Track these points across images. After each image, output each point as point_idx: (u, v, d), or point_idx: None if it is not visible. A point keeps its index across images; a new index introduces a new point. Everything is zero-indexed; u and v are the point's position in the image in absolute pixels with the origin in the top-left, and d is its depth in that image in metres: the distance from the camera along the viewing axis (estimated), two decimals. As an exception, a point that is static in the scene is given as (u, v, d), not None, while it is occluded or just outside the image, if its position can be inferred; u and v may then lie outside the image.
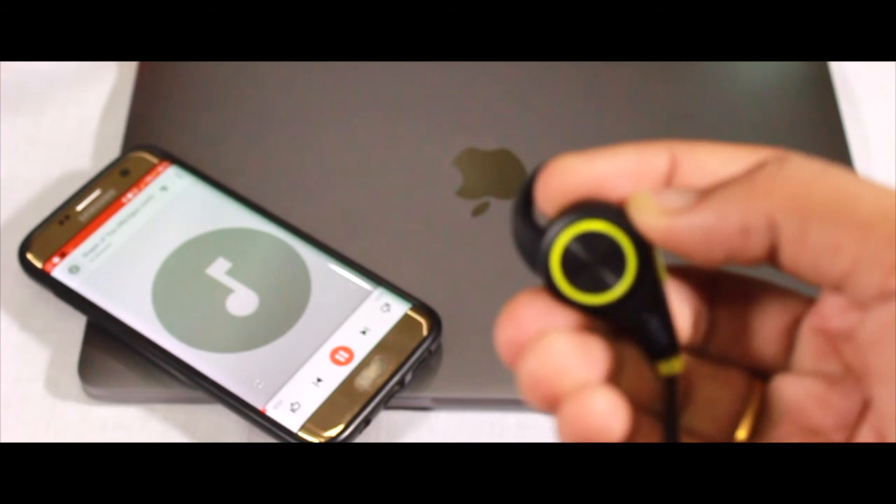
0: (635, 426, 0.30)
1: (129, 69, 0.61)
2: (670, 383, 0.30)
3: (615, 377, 0.31)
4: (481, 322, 0.51)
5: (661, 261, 0.30)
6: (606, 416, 0.29)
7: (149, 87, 0.60)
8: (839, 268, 0.27)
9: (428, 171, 0.56)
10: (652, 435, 0.31)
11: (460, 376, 0.50)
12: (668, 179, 0.30)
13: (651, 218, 0.29)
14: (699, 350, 0.32)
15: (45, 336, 0.52)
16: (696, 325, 0.32)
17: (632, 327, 0.30)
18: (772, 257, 0.29)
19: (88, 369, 0.50)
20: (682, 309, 0.31)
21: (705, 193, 0.29)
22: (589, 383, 0.30)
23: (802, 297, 0.31)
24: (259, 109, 0.59)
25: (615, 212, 0.30)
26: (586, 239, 0.30)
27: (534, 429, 0.50)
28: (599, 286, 0.30)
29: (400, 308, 0.50)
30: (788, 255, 0.28)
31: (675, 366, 0.30)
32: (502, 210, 0.55)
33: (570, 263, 0.30)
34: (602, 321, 0.31)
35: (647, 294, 0.30)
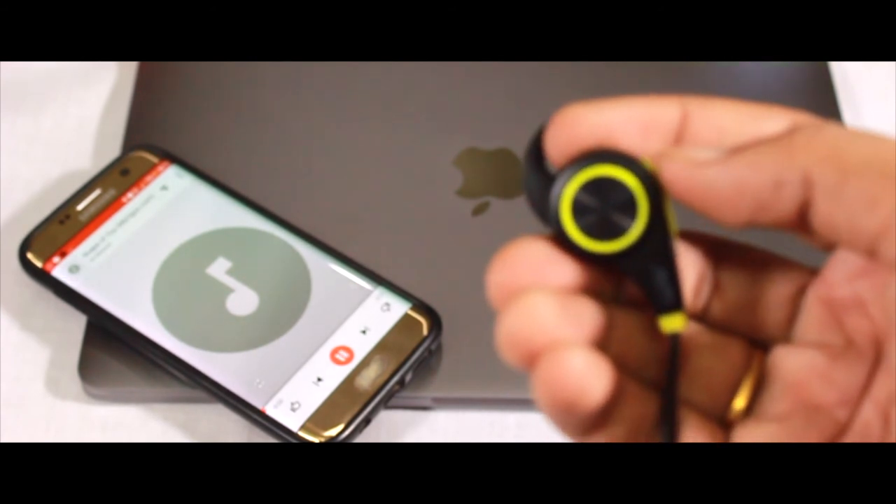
0: (620, 390, 0.30)
1: (129, 69, 0.61)
2: (673, 340, 0.30)
3: (603, 342, 0.30)
4: (481, 322, 0.51)
5: (672, 212, 0.30)
6: (584, 376, 0.29)
7: (149, 87, 0.60)
8: (875, 222, 0.27)
9: (428, 171, 0.56)
10: (640, 402, 0.30)
11: (460, 376, 0.50)
12: (680, 133, 0.30)
13: (680, 167, 0.29)
14: (699, 317, 0.31)
15: (45, 336, 0.52)
16: (698, 289, 0.31)
17: (638, 278, 0.30)
18: (801, 216, 0.28)
19: (88, 369, 0.50)
20: (686, 272, 0.31)
21: (738, 149, 0.29)
22: (567, 342, 0.29)
23: (807, 267, 0.31)
24: (259, 109, 0.59)
25: (627, 158, 0.29)
26: (597, 185, 0.30)
27: (534, 429, 0.50)
28: (610, 234, 0.30)
29: (400, 308, 0.50)
30: (823, 210, 0.28)
31: (677, 322, 0.30)
32: (502, 210, 0.55)
33: (581, 210, 0.30)
34: (610, 271, 0.30)
35: (657, 245, 0.30)
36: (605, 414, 0.30)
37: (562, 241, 0.30)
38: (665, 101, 0.30)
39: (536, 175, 0.30)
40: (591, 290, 0.30)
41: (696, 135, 0.30)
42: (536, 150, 0.30)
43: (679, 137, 0.30)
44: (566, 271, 0.30)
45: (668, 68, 0.59)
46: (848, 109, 0.59)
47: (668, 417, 0.29)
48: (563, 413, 0.29)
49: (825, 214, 0.28)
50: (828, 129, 0.28)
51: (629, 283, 0.31)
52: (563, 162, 0.30)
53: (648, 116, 0.30)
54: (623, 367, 0.30)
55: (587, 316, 0.30)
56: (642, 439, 0.30)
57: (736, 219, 0.29)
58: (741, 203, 0.28)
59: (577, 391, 0.29)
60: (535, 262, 0.30)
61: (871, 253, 0.27)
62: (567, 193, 0.30)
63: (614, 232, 0.30)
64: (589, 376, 0.29)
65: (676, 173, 0.29)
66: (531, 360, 0.29)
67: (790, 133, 0.29)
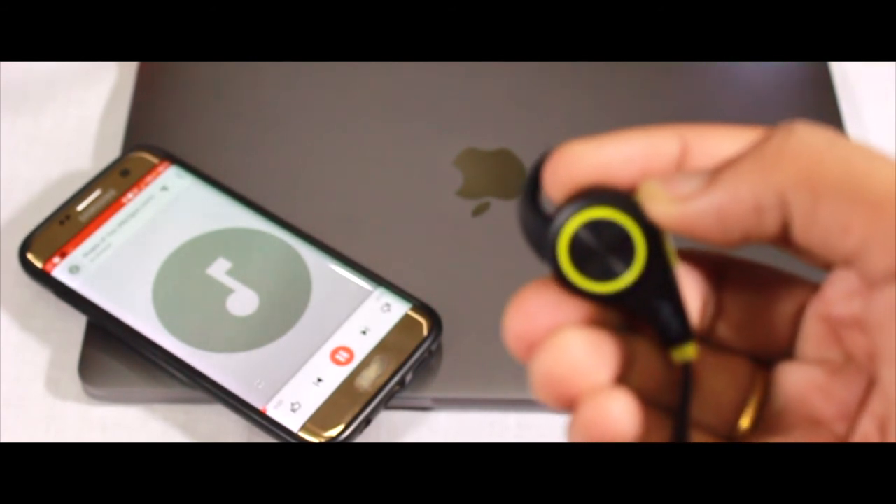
0: (647, 424, 0.30)
1: (129, 69, 0.61)
2: (685, 370, 0.30)
3: (626, 374, 0.30)
4: (481, 322, 0.51)
5: (671, 247, 0.30)
6: (622, 420, 0.29)
7: (149, 87, 0.60)
8: (849, 247, 0.27)
9: (428, 171, 0.56)
10: (660, 429, 0.30)
11: (460, 376, 0.50)
12: (679, 164, 0.30)
13: (662, 206, 0.29)
14: (704, 337, 0.32)
15: (45, 336, 0.52)
16: (703, 311, 0.31)
17: (643, 315, 0.30)
18: (784, 234, 0.28)
19: (88, 369, 0.50)
20: (690, 295, 0.31)
21: (714, 174, 0.29)
22: (604, 384, 0.30)
23: (809, 283, 0.31)
24: (259, 109, 0.59)
25: (623, 198, 0.30)
26: (594, 226, 0.30)
27: (534, 429, 0.50)
28: (609, 274, 0.30)
29: (400, 308, 0.50)
30: (799, 231, 0.28)
31: (688, 352, 0.30)
32: (502, 210, 0.55)
33: (579, 251, 0.30)
34: (613, 309, 0.30)
35: (658, 281, 0.30)
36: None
37: (561, 281, 0.30)
38: (662, 133, 0.30)
39: (532, 213, 0.30)
40: (606, 322, 0.31)
41: (697, 163, 0.30)
42: (533, 186, 0.30)
43: (679, 169, 0.30)
44: (579, 308, 0.30)
45: (668, 68, 0.59)
46: (848, 109, 0.59)
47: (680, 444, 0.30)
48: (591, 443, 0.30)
49: (801, 234, 0.28)
50: (797, 136, 0.28)
51: None
52: (560, 200, 0.30)
53: (646, 150, 0.30)
54: (644, 398, 0.30)
55: (612, 350, 0.30)
56: None
57: (730, 243, 0.29)
58: (729, 230, 0.29)
59: (615, 434, 0.29)
60: (548, 305, 0.30)
61: (849, 267, 0.28)
62: (564, 236, 0.30)
63: (613, 272, 0.30)
64: (626, 420, 0.29)
65: (659, 212, 0.29)
66: (569, 402, 0.30)
67: (759, 146, 0.28)
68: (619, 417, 0.29)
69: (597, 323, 0.30)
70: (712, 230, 0.29)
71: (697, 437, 0.31)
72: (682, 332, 0.30)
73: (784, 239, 0.29)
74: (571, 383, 0.29)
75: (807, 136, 0.28)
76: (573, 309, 0.30)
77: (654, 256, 0.30)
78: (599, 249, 0.30)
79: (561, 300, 0.30)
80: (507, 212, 0.55)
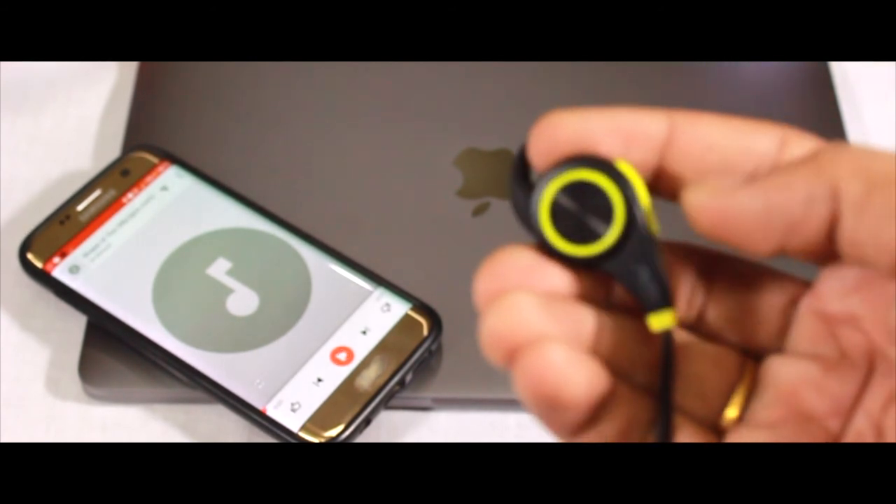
0: (610, 391, 0.29)
1: (129, 69, 0.61)
2: (666, 339, 0.30)
3: (591, 344, 0.30)
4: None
5: (653, 213, 0.30)
6: (563, 369, 0.28)
7: (149, 87, 0.60)
8: None
9: (428, 172, 0.56)
10: (631, 404, 0.30)
11: (460, 376, 0.50)
12: (665, 146, 0.30)
13: (703, 197, 0.29)
14: (693, 326, 0.31)
15: (45, 336, 0.52)
16: (690, 301, 0.31)
17: (622, 279, 0.30)
18: (829, 235, 0.28)
19: (88, 369, 0.50)
20: (678, 282, 0.31)
21: (763, 174, 0.28)
22: (548, 337, 0.29)
23: (799, 279, 0.31)
24: (259, 109, 0.59)
25: (604, 162, 0.30)
26: (574, 189, 0.30)
27: (534, 429, 0.50)
28: (589, 237, 0.30)
29: (400, 308, 0.50)
30: (849, 223, 0.27)
31: (666, 319, 0.30)
32: (502, 210, 0.55)
33: (559, 214, 0.30)
34: (593, 274, 0.30)
35: (637, 245, 0.30)
36: (594, 414, 0.29)
37: (543, 246, 0.30)
38: (651, 114, 0.30)
39: (520, 184, 0.31)
40: (581, 297, 0.30)
41: (683, 149, 0.30)
42: (521, 161, 0.31)
43: (664, 151, 0.30)
44: (553, 278, 0.30)
45: (668, 68, 0.59)
46: (848, 109, 0.59)
47: (664, 417, 0.29)
48: (546, 408, 0.29)
49: (851, 229, 0.28)
50: (853, 147, 0.28)
51: (620, 290, 0.31)
52: (544, 169, 0.30)
53: (632, 127, 0.30)
54: (615, 371, 0.30)
55: (573, 317, 0.30)
56: (634, 440, 0.30)
57: (766, 245, 0.29)
58: (772, 226, 0.28)
59: (557, 385, 0.28)
60: (522, 268, 0.30)
61: (894, 271, 0.27)
62: (545, 199, 0.30)
63: (593, 235, 0.30)
64: (569, 370, 0.29)
65: (705, 203, 0.29)
66: (512, 356, 0.29)
67: (816, 152, 0.28)
68: (560, 366, 0.28)
69: (568, 296, 0.30)
70: (756, 227, 0.28)
71: (681, 423, 0.30)
72: (661, 298, 0.30)
73: (823, 242, 0.28)
74: (516, 337, 0.29)
75: (860, 147, 0.28)
76: (546, 277, 0.30)
77: (634, 219, 0.30)
78: (579, 212, 0.30)
79: (536, 266, 0.30)
80: (507, 212, 0.54)
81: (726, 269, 0.31)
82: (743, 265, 0.32)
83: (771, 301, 0.31)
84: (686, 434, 0.30)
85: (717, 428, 0.31)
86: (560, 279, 0.30)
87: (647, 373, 0.31)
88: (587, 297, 0.30)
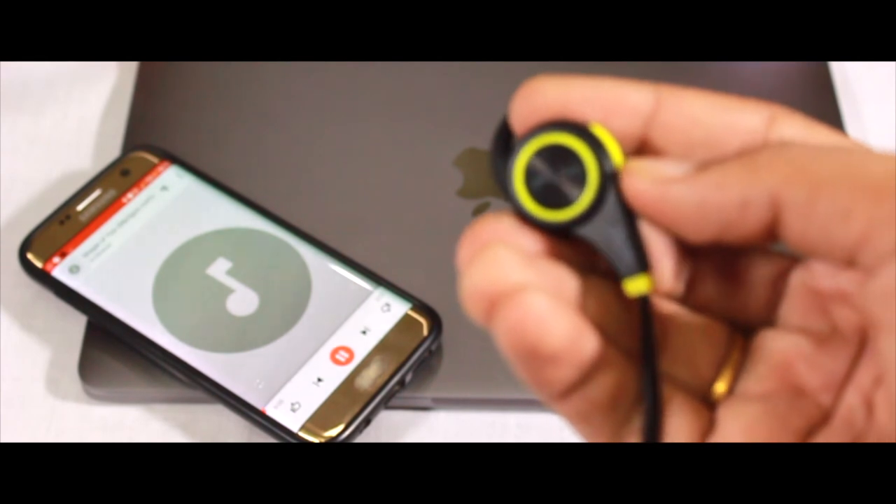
0: (598, 352, 0.29)
1: (129, 69, 0.61)
2: (643, 304, 0.29)
3: (576, 303, 0.30)
4: (481, 322, 0.51)
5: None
6: (544, 316, 0.28)
7: (149, 87, 0.60)
8: (852, 233, 0.27)
9: (428, 171, 0.56)
10: (619, 369, 0.30)
11: (460, 376, 0.50)
12: (649, 119, 0.30)
13: (643, 183, 0.29)
14: (681, 300, 0.31)
15: (45, 336, 0.52)
16: (678, 273, 0.31)
17: (597, 244, 0.29)
18: (768, 233, 0.28)
19: (88, 369, 0.50)
20: (664, 255, 0.30)
21: (703, 166, 0.28)
22: (528, 286, 0.28)
23: (788, 253, 0.30)
24: (259, 109, 0.59)
25: (577, 126, 0.29)
26: (547, 153, 0.29)
27: (534, 429, 0.50)
28: (562, 202, 0.29)
29: (400, 308, 0.50)
30: (795, 228, 0.28)
31: (642, 284, 0.29)
32: (502, 210, 0.55)
33: (533, 180, 0.30)
34: (569, 241, 0.30)
35: (611, 208, 0.29)
36: (582, 375, 0.29)
37: (519, 213, 0.30)
38: (637, 86, 0.30)
39: (499, 152, 0.30)
40: (565, 260, 0.30)
41: (668, 123, 0.29)
42: (504, 128, 0.30)
43: (648, 124, 0.30)
44: (535, 242, 0.30)
45: (668, 68, 0.59)
46: (848, 109, 0.59)
47: (648, 384, 0.29)
48: (528, 362, 0.28)
49: (798, 232, 0.28)
50: (793, 146, 0.28)
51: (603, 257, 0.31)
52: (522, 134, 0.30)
53: (616, 98, 0.30)
54: (601, 333, 0.30)
55: (555, 275, 0.30)
56: (624, 410, 0.30)
57: (700, 237, 0.29)
58: (706, 222, 0.28)
59: (538, 333, 0.28)
60: (504, 233, 0.30)
61: (848, 263, 0.28)
62: (519, 164, 0.30)
63: (566, 199, 0.29)
64: (549, 317, 0.28)
65: (641, 189, 0.29)
66: (493, 308, 0.28)
67: (755, 151, 0.28)
68: (540, 313, 0.28)
69: (552, 258, 0.30)
70: (689, 219, 0.28)
71: (672, 393, 0.30)
72: (636, 262, 0.29)
73: (761, 238, 0.28)
74: (496, 289, 0.28)
75: (800, 146, 0.28)
76: (528, 241, 0.30)
77: (607, 183, 0.29)
78: (553, 176, 0.29)
79: (518, 230, 0.30)
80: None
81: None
82: None
83: (760, 273, 0.31)
84: (676, 405, 0.30)
85: (708, 399, 0.31)
86: (542, 244, 0.30)
87: (634, 339, 0.30)
88: (570, 261, 0.30)
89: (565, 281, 0.30)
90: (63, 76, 0.61)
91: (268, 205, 0.54)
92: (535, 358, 0.28)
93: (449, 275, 0.53)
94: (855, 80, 0.61)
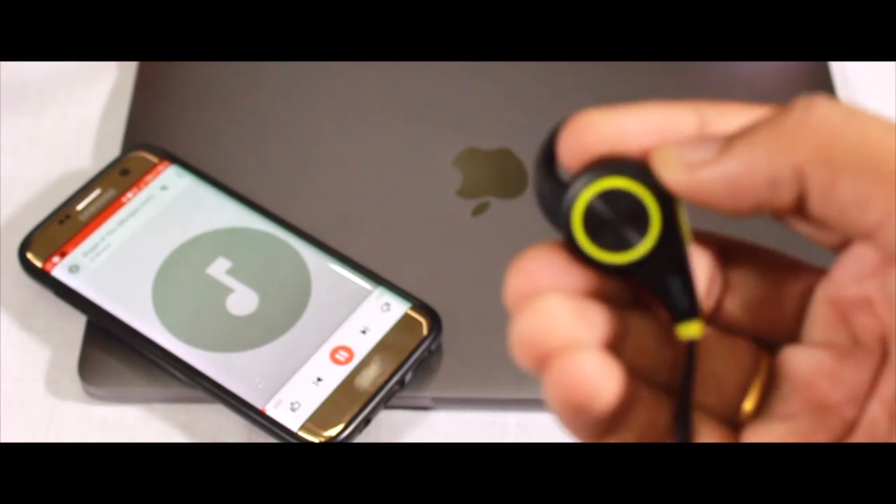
0: (633, 395, 0.30)
1: (129, 69, 0.61)
2: (690, 348, 0.30)
3: (617, 346, 0.30)
4: (481, 322, 0.51)
5: (685, 221, 0.30)
6: (596, 378, 0.28)
7: (149, 87, 0.60)
8: (868, 221, 0.27)
9: (428, 171, 0.56)
10: (651, 407, 0.30)
11: (460, 376, 0.50)
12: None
13: (675, 173, 0.29)
14: (710, 318, 0.31)
15: (45, 336, 0.52)
16: (709, 289, 0.31)
17: (653, 288, 0.30)
18: (800, 207, 0.28)
19: (88, 369, 0.50)
20: (697, 273, 0.30)
21: (729, 142, 0.28)
22: (580, 344, 0.29)
23: (816, 267, 0.31)
24: (259, 109, 0.59)
25: (639, 169, 0.29)
26: (609, 196, 0.29)
27: (534, 429, 0.50)
28: (622, 245, 0.29)
29: (400, 307, 0.50)
30: (817, 205, 0.28)
31: (694, 329, 0.30)
32: (502, 210, 0.55)
33: (593, 221, 0.29)
34: (622, 281, 0.30)
35: (670, 254, 0.29)
36: (617, 418, 0.29)
37: (573, 250, 0.30)
38: (680, 108, 0.30)
39: (549, 180, 0.30)
40: (606, 294, 0.30)
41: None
42: (549, 153, 0.30)
43: None
44: (582, 276, 0.30)
45: (668, 68, 0.59)
46: (848, 109, 0.59)
47: (684, 422, 0.29)
48: (574, 415, 0.29)
49: (819, 208, 0.28)
50: (817, 111, 0.28)
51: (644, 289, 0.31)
52: (575, 168, 0.30)
53: (664, 124, 0.29)
54: (636, 372, 0.30)
55: (601, 320, 0.30)
56: (653, 440, 0.30)
57: (740, 212, 0.29)
58: (741, 199, 0.28)
59: (589, 393, 0.28)
60: (552, 266, 0.30)
61: (868, 241, 0.28)
62: (578, 205, 0.30)
63: (626, 243, 0.30)
64: (601, 378, 0.28)
65: (671, 178, 0.29)
66: (544, 362, 0.29)
67: (778, 118, 0.28)
68: (592, 374, 0.28)
69: (596, 294, 0.30)
70: (723, 199, 0.28)
71: (699, 419, 0.30)
72: (690, 308, 0.30)
73: (798, 212, 0.28)
74: (547, 342, 0.29)
75: (825, 110, 0.28)
76: (575, 275, 0.30)
77: (668, 230, 0.29)
78: (614, 220, 0.29)
79: (565, 265, 0.30)
80: (507, 212, 0.55)
81: (743, 258, 0.31)
82: (761, 253, 0.32)
83: (788, 290, 0.31)
84: (703, 430, 0.30)
85: (735, 422, 0.31)
86: (588, 277, 0.30)
87: (668, 373, 0.31)
88: (612, 294, 0.30)
89: (610, 324, 0.30)
90: (63, 76, 0.61)
91: (268, 205, 0.54)
92: (581, 415, 0.29)
93: (449, 274, 0.53)
94: (855, 80, 0.61)
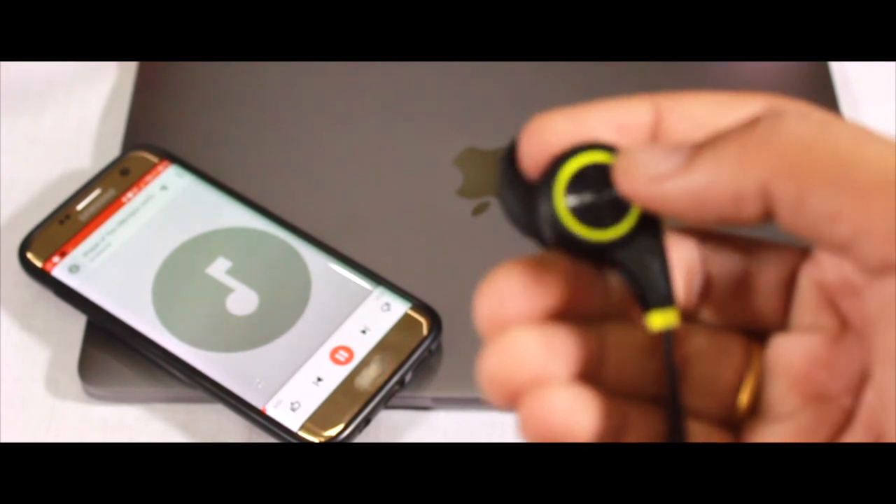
0: (621, 418, 0.29)
1: (129, 69, 0.61)
2: (666, 337, 0.29)
3: (594, 368, 0.29)
4: (481, 322, 0.51)
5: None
6: (568, 414, 0.28)
7: (149, 87, 0.60)
8: (839, 236, 0.27)
9: (428, 171, 0.56)
10: (644, 424, 0.30)
11: (460, 376, 0.50)
12: (654, 131, 0.29)
13: (637, 184, 0.28)
14: (693, 316, 0.31)
15: (45, 336, 0.52)
16: (689, 285, 0.30)
17: (632, 270, 0.29)
18: (768, 219, 0.28)
19: (88, 369, 0.50)
20: (676, 270, 0.30)
21: (696, 152, 0.28)
22: (550, 379, 0.28)
23: (796, 248, 0.30)
24: (259, 109, 0.59)
25: (613, 147, 0.29)
26: (589, 173, 0.29)
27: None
28: (605, 221, 0.29)
29: (400, 307, 0.50)
30: (786, 219, 0.27)
31: (671, 317, 0.29)
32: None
33: (575, 198, 0.29)
34: (602, 263, 0.30)
35: (651, 235, 0.29)
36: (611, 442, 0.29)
37: (557, 235, 0.29)
38: (636, 102, 0.30)
39: (513, 185, 0.30)
40: (579, 310, 0.30)
41: (670, 130, 0.29)
42: (510, 161, 0.30)
43: (654, 136, 0.29)
44: (550, 294, 0.29)
45: (668, 68, 0.59)
46: (848, 109, 0.59)
47: (674, 420, 0.29)
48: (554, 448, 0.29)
49: (788, 222, 0.27)
50: (785, 124, 0.27)
51: (616, 297, 0.30)
52: (538, 171, 0.29)
53: (622, 118, 0.29)
54: (622, 390, 0.29)
55: (573, 346, 0.29)
56: None
57: (704, 224, 0.29)
58: (704, 213, 0.28)
59: (564, 429, 0.28)
60: (521, 286, 0.29)
61: (841, 255, 0.27)
62: (559, 182, 0.29)
63: (610, 219, 0.29)
64: (574, 413, 0.28)
65: (634, 189, 0.29)
66: (514, 399, 0.28)
67: (745, 130, 0.28)
68: (564, 411, 0.28)
69: (568, 310, 0.29)
70: (688, 212, 0.28)
71: (695, 426, 0.30)
72: (667, 294, 0.29)
73: (762, 221, 0.28)
74: (517, 379, 0.28)
75: (793, 125, 0.27)
76: (545, 293, 0.29)
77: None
78: (596, 196, 0.29)
79: (534, 283, 0.29)
80: (506, 212, 0.55)
81: (720, 246, 0.31)
82: (737, 239, 0.31)
83: (770, 274, 0.30)
84: (701, 436, 0.30)
85: (731, 423, 0.30)
86: (558, 295, 0.29)
87: (656, 384, 0.30)
88: (586, 309, 0.30)
89: (585, 349, 0.29)
90: (63, 76, 0.61)
91: (268, 204, 0.54)
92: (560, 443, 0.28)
93: (449, 274, 0.53)
94: (855, 80, 0.61)
